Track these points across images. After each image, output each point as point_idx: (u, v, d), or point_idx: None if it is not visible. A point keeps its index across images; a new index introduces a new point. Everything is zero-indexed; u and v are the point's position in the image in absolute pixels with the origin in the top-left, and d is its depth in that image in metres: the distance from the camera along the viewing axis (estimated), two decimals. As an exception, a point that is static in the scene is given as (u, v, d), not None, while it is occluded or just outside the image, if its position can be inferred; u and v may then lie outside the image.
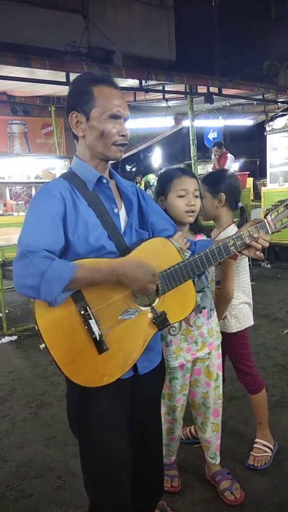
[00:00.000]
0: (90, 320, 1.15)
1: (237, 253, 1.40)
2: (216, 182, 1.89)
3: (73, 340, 1.15)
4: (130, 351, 1.23)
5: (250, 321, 1.96)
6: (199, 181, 1.78)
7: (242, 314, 1.92)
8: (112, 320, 1.19)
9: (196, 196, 1.64)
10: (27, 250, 1.11)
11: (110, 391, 1.20)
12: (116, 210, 1.30)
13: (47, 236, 1.15)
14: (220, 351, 1.80)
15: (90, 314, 1.15)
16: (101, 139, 1.24)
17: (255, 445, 2.03)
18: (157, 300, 1.29)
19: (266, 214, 1.39)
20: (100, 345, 1.16)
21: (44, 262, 1.09)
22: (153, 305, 1.28)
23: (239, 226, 1.90)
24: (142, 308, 1.26)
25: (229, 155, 7.74)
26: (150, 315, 1.27)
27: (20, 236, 1.17)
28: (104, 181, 1.29)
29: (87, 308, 1.15)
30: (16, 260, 1.12)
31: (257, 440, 2.04)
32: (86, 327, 1.15)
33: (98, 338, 1.15)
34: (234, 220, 1.95)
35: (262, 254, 1.40)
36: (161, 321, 1.27)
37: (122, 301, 1.21)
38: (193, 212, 1.63)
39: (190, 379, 1.77)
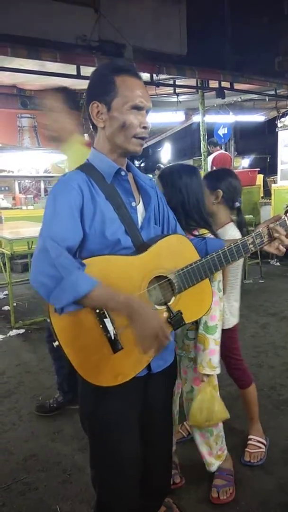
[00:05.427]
0: (105, 319, 1.13)
1: (256, 250, 1.38)
2: (215, 179, 1.94)
3: (88, 339, 1.14)
4: None
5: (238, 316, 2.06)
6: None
7: (235, 309, 2.00)
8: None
9: None
10: (50, 245, 1.08)
11: (123, 390, 1.19)
12: (133, 204, 1.27)
13: (67, 230, 1.13)
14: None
15: (105, 313, 1.13)
16: (122, 130, 1.20)
17: (249, 442, 2.06)
18: (173, 299, 1.27)
19: (287, 212, 1.36)
20: (114, 344, 1.14)
21: (65, 266, 1.06)
22: (169, 304, 1.26)
23: (238, 225, 1.94)
24: (158, 307, 1.24)
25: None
26: (165, 314, 1.25)
27: (41, 229, 1.14)
28: (123, 173, 1.26)
29: None
30: (36, 254, 1.10)
31: (250, 436, 2.07)
32: (101, 326, 1.13)
33: (112, 337, 1.14)
34: (233, 218, 1.98)
35: (284, 249, 1.37)
36: (176, 321, 1.25)
37: (137, 300, 1.19)
38: None
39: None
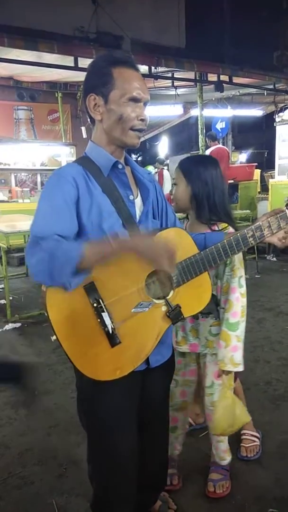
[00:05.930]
0: (102, 313, 1.12)
1: (256, 244, 1.36)
2: None
3: (85, 333, 1.13)
4: (143, 345, 1.21)
5: None
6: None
7: None
8: (125, 313, 1.17)
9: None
10: (38, 237, 1.07)
11: (121, 384, 1.18)
12: (131, 197, 1.26)
13: (60, 223, 1.11)
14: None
15: (103, 306, 1.12)
16: (120, 123, 1.19)
17: (243, 436, 2.06)
18: (171, 293, 1.26)
19: (287, 204, 1.34)
20: (112, 338, 1.14)
21: (52, 244, 1.05)
22: (167, 298, 1.25)
23: None
24: (156, 301, 1.23)
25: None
26: (164, 308, 1.24)
27: (32, 223, 1.13)
28: (120, 166, 1.25)
29: (100, 300, 1.12)
30: (28, 248, 1.09)
31: (244, 431, 2.07)
32: (99, 320, 1.12)
33: (110, 331, 1.13)
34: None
35: None
36: (175, 315, 1.24)
37: (136, 294, 1.18)
38: None
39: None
